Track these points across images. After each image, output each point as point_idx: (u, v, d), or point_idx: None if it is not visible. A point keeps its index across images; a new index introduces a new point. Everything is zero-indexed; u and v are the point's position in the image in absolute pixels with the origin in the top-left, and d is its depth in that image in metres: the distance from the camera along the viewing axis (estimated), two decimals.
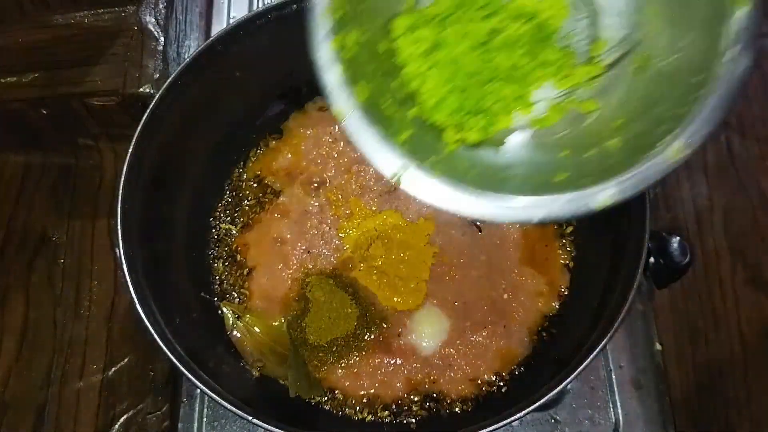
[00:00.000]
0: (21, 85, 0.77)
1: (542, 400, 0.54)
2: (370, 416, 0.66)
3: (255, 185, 0.76)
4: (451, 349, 0.68)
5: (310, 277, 0.70)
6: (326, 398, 0.67)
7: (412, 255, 0.71)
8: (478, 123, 0.50)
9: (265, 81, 0.72)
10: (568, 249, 0.71)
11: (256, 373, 0.67)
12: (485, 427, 0.54)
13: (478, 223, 0.72)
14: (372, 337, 0.68)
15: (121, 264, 0.57)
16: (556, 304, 0.70)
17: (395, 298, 0.69)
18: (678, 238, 0.62)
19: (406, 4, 0.51)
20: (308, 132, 0.75)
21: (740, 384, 0.65)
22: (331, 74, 0.43)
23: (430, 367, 0.67)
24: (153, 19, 0.80)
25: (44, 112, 0.79)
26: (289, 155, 0.75)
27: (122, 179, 0.59)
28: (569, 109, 0.51)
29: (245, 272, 0.72)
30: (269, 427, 0.54)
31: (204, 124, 0.68)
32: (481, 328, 0.68)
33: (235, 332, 0.69)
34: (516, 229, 0.72)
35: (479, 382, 0.67)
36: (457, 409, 0.67)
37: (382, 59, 0.49)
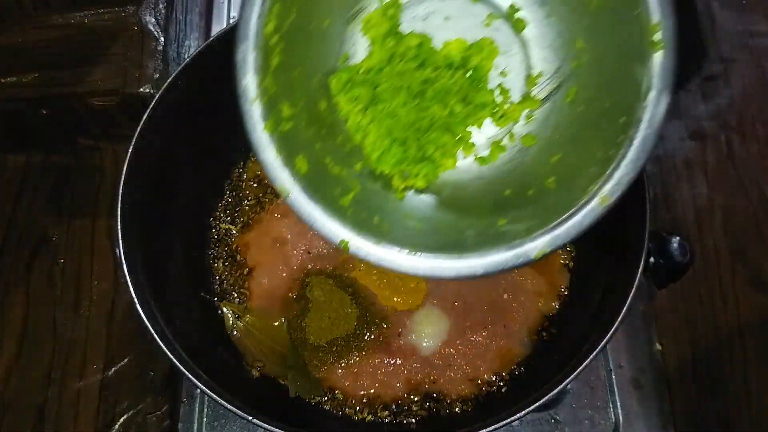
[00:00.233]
0: (21, 85, 0.77)
1: (542, 400, 0.54)
2: (370, 416, 0.66)
3: (255, 185, 0.76)
4: (451, 349, 0.68)
5: (310, 277, 0.70)
6: (326, 398, 0.67)
7: None
8: (422, 170, 0.51)
9: None
10: (568, 249, 0.71)
11: (256, 373, 0.67)
12: (485, 427, 0.54)
13: None
14: (372, 337, 0.68)
15: (121, 264, 0.57)
16: (556, 304, 0.70)
17: (395, 298, 0.69)
18: (678, 238, 0.62)
19: (341, 59, 0.52)
20: None
21: (740, 384, 0.65)
22: (267, 155, 0.44)
23: (430, 367, 0.67)
24: (153, 19, 0.80)
25: (44, 112, 0.79)
26: None
27: (122, 179, 0.59)
28: (511, 145, 0.53)
29: (245, 272, 0.72)
30: (269, 427, 0.54)
31: (204, 124, 0.68)
32: (481, 328, 0.68)
33: (235, 332, 0.69)
34: None
35: (479, 382, 0.67)
36: (457, 409, 0.67)
37: (325, 116, 0.50)
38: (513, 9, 0.52)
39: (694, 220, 0.72)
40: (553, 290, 0.70)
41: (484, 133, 0.53)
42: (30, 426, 0.69)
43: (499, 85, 0.53)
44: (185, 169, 0.69)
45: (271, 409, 0.58)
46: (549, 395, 0.55)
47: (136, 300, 0.56)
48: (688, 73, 0.81)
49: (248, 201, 0.75)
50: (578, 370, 0.55)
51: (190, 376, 0.55)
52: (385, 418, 0.66)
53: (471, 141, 0.53)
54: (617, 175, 0.42)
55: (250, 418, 0.54)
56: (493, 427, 0.54)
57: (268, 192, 0.75)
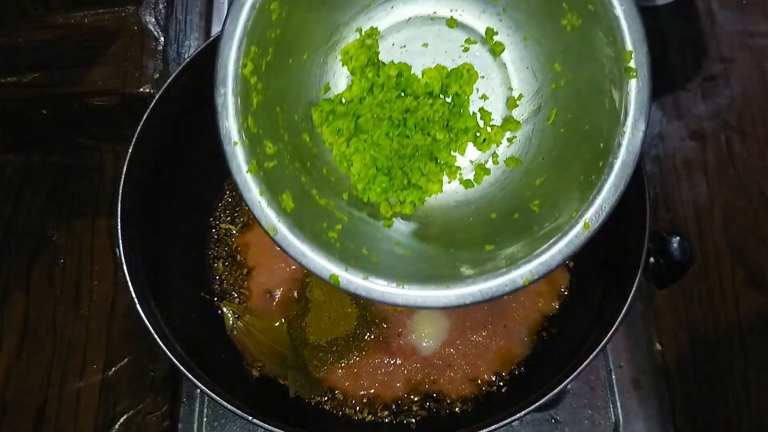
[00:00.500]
0: (21, 85, 0.77)
1: (542, 400, 0.54)
2: (370, 416, 0.66)
3: None
4: (451, 349, 0.68)
5: (310, 277, 0.70)
6: (326, 398, 0.67)
7: None
8: (409, 196, 0.52)
9: None
10: None
11: (256, 373, 0.67)
12: (485, 427, 0.54)
13: None
14: (372, 337, 0.68)
15: (121, 264, 0.57)
16: (556, 304, 0.70)
17: None
18: (678, 238, 0.62)
19: (322, 89, 0.52)
20: None
21: (740, 384, 0.65)
22: (252, 196, 0.44)
23: (430, 367, 0.68)
24: (153, 19, 0.80)
25: (44, 112, 0.79)
26: None
27: (122, 179, 0.59)
28: (495, 167, 0.53)
29: (245, 272, 0.72)
30: (269, 427, 0.54)
31: (204, 124, 0.68)
32: (481, 328, 0.68)
33: (235, 332, 0.69)
34: None
35: (479, 382, 0.67)
36: (457, 409, 0.67)
37: (309, 147, 0.51)
38: (490, 33, 0.52)
39: (694, 220, 0.72)
40: (553, 290, 0.70)
41: (468, 157, 0.54)
42: (30, 426, 0.69)
43: (481, 108, 0.53)
44: (185, 169, 0.69)
45: (271, 409, 0.58)
46: (549, 395, 0.55)
47: (136, 300, 0.56)
48: (688, 73, 0.81)
49: None
50: (578, 370, 0.55)
51: (190, 376, 0.55)
52: (385, 418, 0.66)
53: (456, 165, 0.53)
54: (599, 200, 0.43)
55: (250, 418, 0.54)
56: (493, 427, 0.54)
57: None
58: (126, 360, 0.72)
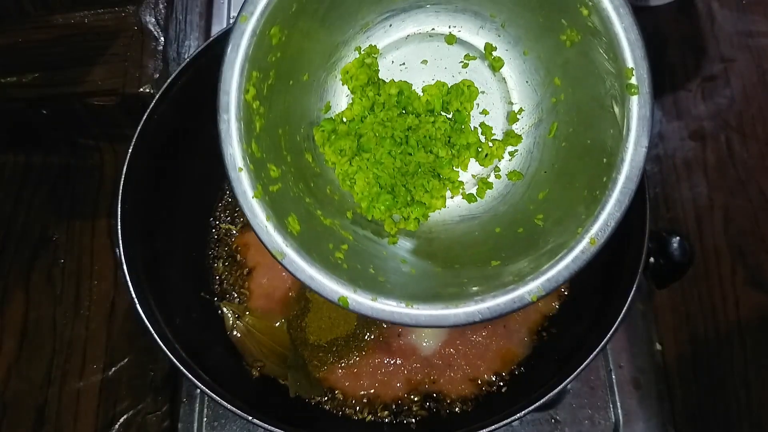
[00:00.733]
0: (21, 85, 0.77)
1: (542, 400, 0.55)
2: (370, 416, 0.66)
3: None
4: (451, 349, 0.68)
5: None
6: (326, 398, 0.67)
7: None
8: (413, 213, 0.52)
9: None
10: None
11: (256, 373, 0.67)
12: (485, 427, 0.54)
13: None
14: (372, 337, 0.68)
15: (121, 264, 0.57)
16: (556, 304, 0.70)
17: None
18: (678, 238, 0.62)
19: (324, 108, 0.52)
20: None
21: (740, 384, 0.65)
22: (259, 221, 0.44)
23: (430, 367, 0.68)
24: (153, 19, 0.80)
25: (44, 112, 0.79)
26: None
27: (122, 179, 0.59)
28: (498, 182, 0.53)
29: (245, 272, 0.72)
30: (269, 427, 0.54)
31: (204, 124, 0.68)
32: (481, 328, 0.68)
33: (235, 332, 0.69)
34: None
35: (479, 382, 0.67)
36: (457, 409, 0.67)
37: (312, 167, 0.51)
38: (489, 49, 0.52)
39: (694, 220, 0.73)
40: None
41: (470, 172, 0.54)
42: (30, 426, 0.69)
43: (482, 123, 0.53)
44: (185, 169, 0.69)
45: (271, 409, 0.58)
46: (549, 395, 0.55)
47: (136, 300, 0.56)
48: (688, 73, 0.81)
49: None
50: (578, 370, 0.55)
51: (190, 376, 0.55)
52: (385, 418, 0.66)
53: (459, 180, 0.53)
54: (603, 216, 0.43)
55: (250, 418, 0.54)
56: (493, 427, 0.54)
57: None
58: (126, 360, 0.72)
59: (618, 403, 0.71)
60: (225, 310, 0.70)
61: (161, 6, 0.80)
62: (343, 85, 0.53)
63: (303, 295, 0.70)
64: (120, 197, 0.58)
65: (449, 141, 0.52)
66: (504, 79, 0.53)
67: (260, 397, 0.66)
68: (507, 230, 0.50)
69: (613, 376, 0.73)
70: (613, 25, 0.42)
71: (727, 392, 0.66)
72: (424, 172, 0.52)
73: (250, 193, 0.44)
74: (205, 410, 0.72)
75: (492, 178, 0.53)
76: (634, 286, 0.56)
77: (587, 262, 0.43)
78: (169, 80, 0.61)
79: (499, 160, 0.53)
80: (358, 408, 0.67)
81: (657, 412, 0.72)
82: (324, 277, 0.44)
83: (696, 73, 0.81)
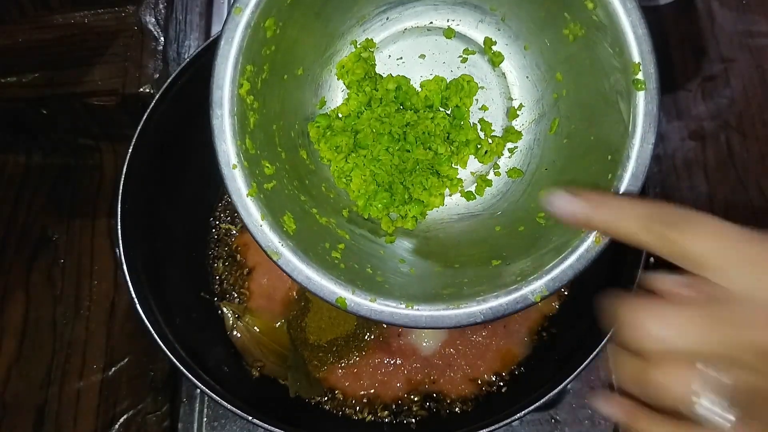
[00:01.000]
0: (21, 85, 0.77)
1: (542, 400, 0.54)
2: (370, 416, 0.66)
3: None
4: (451, 349, 0.68)
5: None
6: (326, 398, 0.67)
7: None
8: (411, 211, 0.50)
9: None
10: None
11: (256, 373, 0.67)
12: (485, 427, 0.54)
13: None
14: (372, 337, 0.68)
15: (121, 264, 0.57)
16: (556, 304, 0.70)
17: None
18: None
19: (318, 104, 0.51)
20: None
21: None
22: (254, 220, 0.43)
23: (430, 367, 0.67)
24: (153, 19, 0.80)
25: (44, 112, 0.79)
26: None
27: (122, 179, 0.59)
28: (497, 179, 0.52)
29: (245, 272, 0.72)
30: (269, 427, 0.54)
31: (204, 124, 0.68)
32: (481, 329, 0.68)
33: (235, 332, 0.69)
34: None
35: (479, 382, 0.67)
36: (457, 409, 0.67)
37: (307, 164, 0.49)
38: (489, 43, 0.51)
39: None
40: None
41: (469, 169, 0.53)
42: (30, 426, 0.69)
43: (481, 119, 0.52)
44: (185, 169, 0.69)
45: (271, 409, 0.58)
46: (549, 395, 0.55)
47: (136, 300, 0.56)
48: (688, 73, 0.81)
49: None
50: (578, 370, 0.55)
51: (190, 376, 0.55)
52: (385, 418, 0.66)
53: (457, 178, 0.52)
54: None
55: (250, 418, 0.54)
56: (493, 427, 0.54)
57: None
58: (126, 360, 0.72)
59: None
60: (225, 310, 0.70)
61: (161, 6, 0.80)
62: (338, 79, 0.52)
63: (303, 295, 0.70)
64: (120, 197, 0.58)
65: (448, 137, 0.51)
66: (504, 74, 0.52)
67: (260, 397, 0.66)
68: (507, 229, 0.49)
69: (614, 376, 0.73)
70: (620, 19, 0.41)
71: None
72: (423, 169, 0.51)
73: (244, 191, 0.43)
74: (205, 410, 0.72)
75: (491, 176, 0.52)
76: (635, 285, 0.56)
77: (592, 262, 0.43)
78: (169, 80, 0.61)
79: (499, 157, 0.52)
80: (358, 408, 0.67)
81: None
82: (321, 278, 0.43)
83: (696, 73, 0.81)
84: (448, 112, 0.52)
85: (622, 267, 0.60)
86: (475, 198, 0.52)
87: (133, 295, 0.56)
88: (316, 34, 0.49)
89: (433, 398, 0.67)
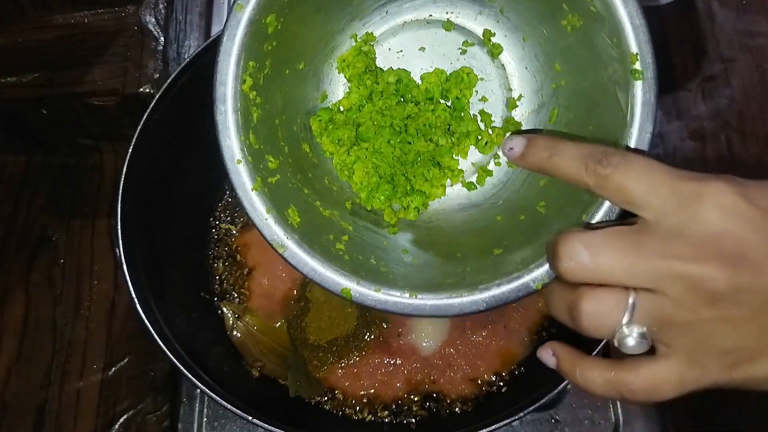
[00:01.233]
0: (21, 85, 0.77)
1: (542, 400, 0.54)
2: (370, 416, 0.66)
3: None
4: (451, 349, 0.68)
5: None
6: (326, 398, 0.67)
7: None
8: (413, 202, 0.51)
9: None
10: None
11: (256, 373, 0.67)
12: (485, 427, 0.54)
13: None
14: (372, 337, 0.68)
15: (121, 264, 0.57)
16: None
17: None
18: None
19: (320, 97, 0.52)
20: None
21: None
22: (259, 214, 0.43)
23: (430, 367, 0.68)
24: (153, 19, 0.80)
25: (44, 112, 0.79)
26: None
27: (122, 179, 0.59)
28: (498, 169, 0.53)
29: (245, 272, 0.72)
30: (269, 427, 0.54)
31: (204, 124, 0.68)
32: (481, 328, 0.68)
33: (235, 332, 0.69)
34: None
35: (479, 382, 0.67)
36: (457, 409, 0.67)
37: (310, 157, 0.50)
38: (488, 35, 0.52)
39: None
40: None
41: (469, 159, 0.53)
42: (30, 426, 0.69)
43: (481, 110, 0.53)
44: (185, 169, 0.69)
45: (271, 409, 0.58)
46: (549, 395, 0.55)
47: (136, 300, 0.56)
48: (688, 73, 0.81)
49: None
50: None
51: (190, 376, 0.55)
52: (385, 418, 0.66)
53: (458, 168, 0.53)
54: (608, 203, 0.42)
55: (250, 418, 0.54)
56: (493, 427, 0.54)
57: None
58: (126, 360, 0.72)
59: (618, 403, 0.71)
60: (225, 310, 0.70)
61: (161, 6, 0.80)
62: (339, 73, 0.52)
63: (303, 295, 0.70)
64: (120, 197, 0.58)
65: (449, 129, 0.52)
66: (503, 65, 0.53)
67: (260, 397, 0.66)
68: (508, 218, 0.49)
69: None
70: (617, 9, 0.41)
71: (728, 391, 0.66)
72: (424, 160, 0.52)
73: (249, 185, 0.43)
74: (205, 410, 0.72)
75: (492, 166, 0.53)
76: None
77: None
78: (169, 80, 0.61)
79: (499, 148, 0.53)
80: (358, 408, 0.67)
81: (657, 412, 0.72)
82: (326, 269, 0.43)
83: (696, 73, 0.81)
84: (449, 103, 0.52)
85: None
86: (476, 188, 0.53)
87: (133, 295, 0.57)
88: (317, 28, 0.50)
89: (433, 398, 0.67)
